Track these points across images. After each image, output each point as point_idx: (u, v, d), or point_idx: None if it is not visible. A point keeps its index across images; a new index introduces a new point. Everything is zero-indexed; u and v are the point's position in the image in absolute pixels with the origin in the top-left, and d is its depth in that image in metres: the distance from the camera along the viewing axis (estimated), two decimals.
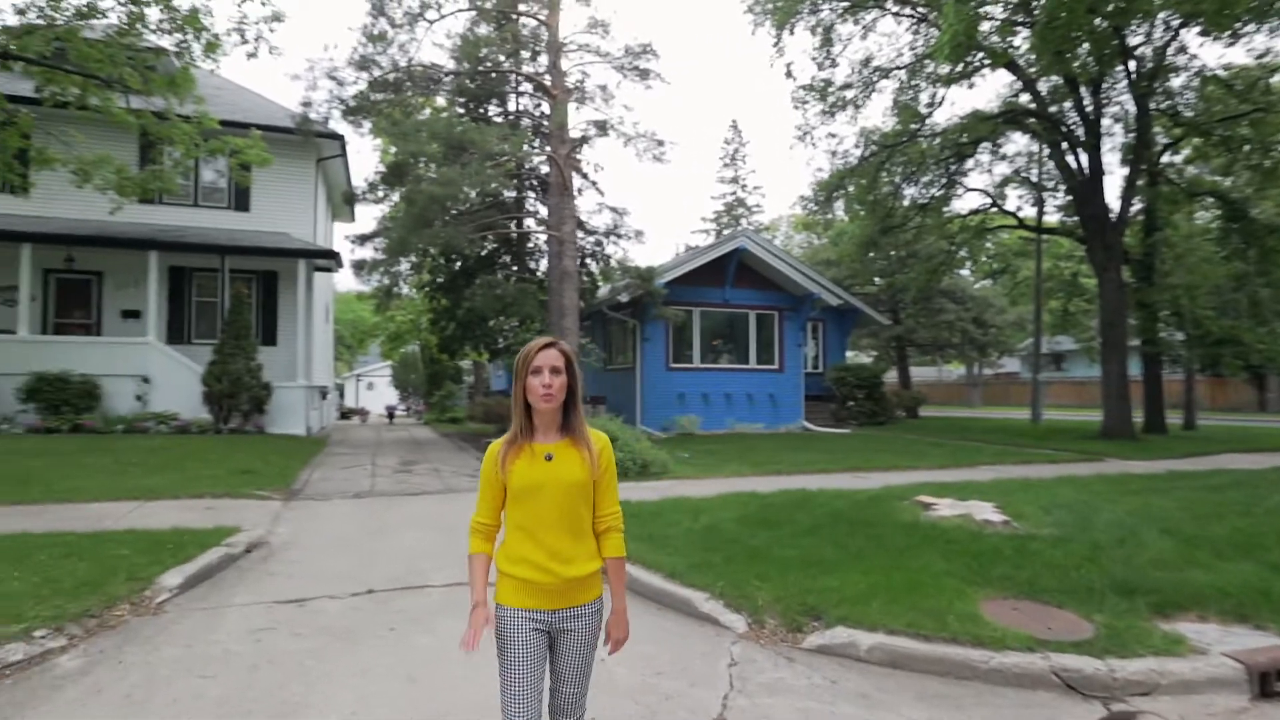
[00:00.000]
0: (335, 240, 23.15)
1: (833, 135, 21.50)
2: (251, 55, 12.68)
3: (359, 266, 13.48)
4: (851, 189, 19.48)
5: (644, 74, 14.94)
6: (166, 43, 12.18)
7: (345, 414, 33.36)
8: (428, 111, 15.45)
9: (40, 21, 11.51)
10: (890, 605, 4.23)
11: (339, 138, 16.90)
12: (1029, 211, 21.39)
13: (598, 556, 2.15)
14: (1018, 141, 20.36)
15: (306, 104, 12.88)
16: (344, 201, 16.39)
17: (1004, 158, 20.24)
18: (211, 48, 12.65)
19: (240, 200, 16.57)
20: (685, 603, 4.61)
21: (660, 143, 15.87)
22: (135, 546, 5.36)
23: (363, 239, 14.02)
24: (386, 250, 12.75)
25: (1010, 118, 17.19)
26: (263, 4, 12.41)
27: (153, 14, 11.85)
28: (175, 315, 16.00)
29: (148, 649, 3.85)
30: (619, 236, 17.85)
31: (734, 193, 48.80)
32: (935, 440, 15.20)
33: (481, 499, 2.15)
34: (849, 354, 28.83)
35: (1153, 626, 4.02)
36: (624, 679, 3.62)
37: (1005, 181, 20.45)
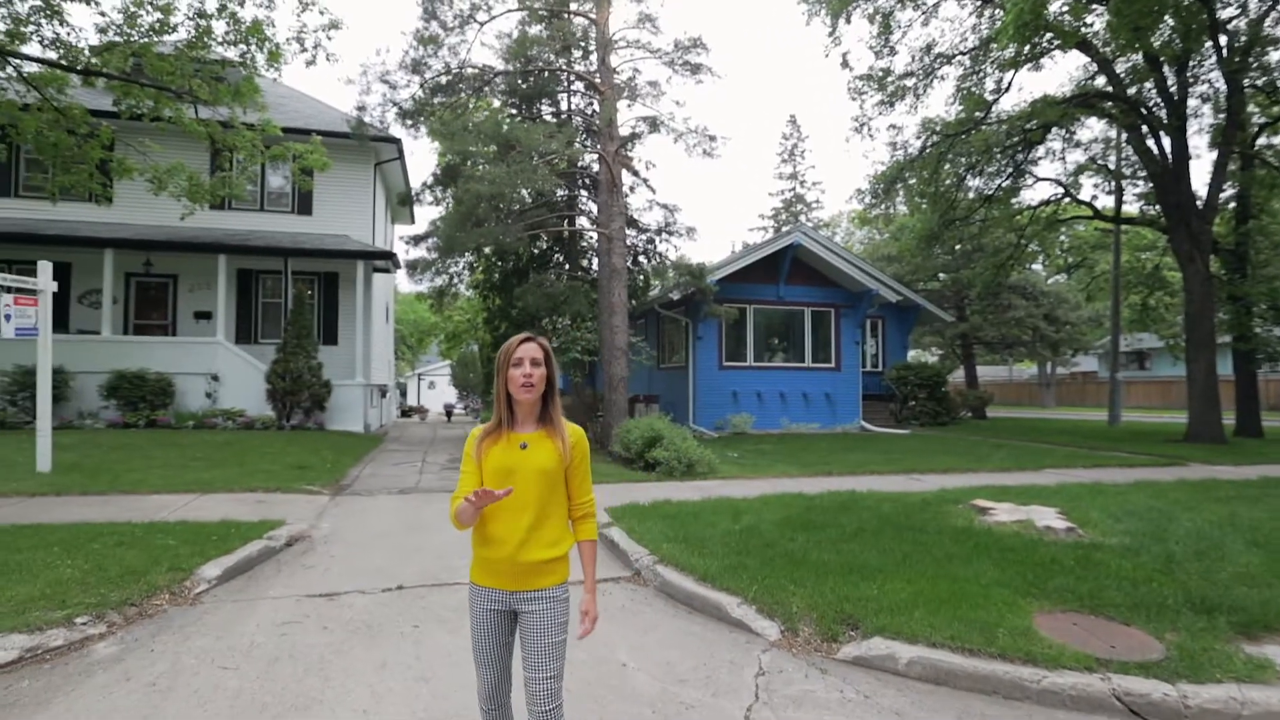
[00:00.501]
0: (395, 242, 23.74)
1: (893, 126, 20.84)
2: (310, 63, 13.06)
3: (413, 267, 13.74)
4: (912, 181, 18.77)
5: (694, 69, 14.73)
6: (231, 54, 12.67)
7: (406, 412, 34.28)
8: (484, 114, 15.62)
9: (118, 39, 12.14)
10: (934, 616, 3.95)
11: (395, 141, 17.29)
12: (1106, 201, 20.21)
13: (561, 544, 2.25)
14: (1093, 127, 19.25)
15: (361, 108, 13.20)
16: (399, 203, 16.76)
17: (1078, 144, 19.15)
18: (274, 57, 13.09)
19: (303, 204, 17.15)
20: (716, 607, 4.43)
21: (712, 138, 15.62)
22: (183, 537, 5.52)
23: (417, 240, 14.30)
24: (437, 250, 12.94)
25: (1084, 101, 16.21)
26: (321, 13, 12.71)
27: (219, 26, 12.34)
28: (243, 315, 16.67)
29: (179, 639, 3.92)
30: (670, 234, 17.71)
31: (793, 189, 47.99)
32: (1000, 442, 14.48)
33: (463, 479, 2.25)
34: (911, 352, 27.94)
35: (1234, 649, 3.62)
36: (644, 686, 3.47)
37: (1079, 170, 19.30)
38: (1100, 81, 16.60)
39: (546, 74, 15.35)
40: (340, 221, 17.34)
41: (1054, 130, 17.58)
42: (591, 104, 17.03)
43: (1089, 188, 20.14)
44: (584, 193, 18.42)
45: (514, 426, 2.24)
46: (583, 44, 15.53)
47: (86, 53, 12.22)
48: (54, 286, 8.34)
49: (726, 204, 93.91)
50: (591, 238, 17.20)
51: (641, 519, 6.50)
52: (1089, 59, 16.05)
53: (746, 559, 5.07)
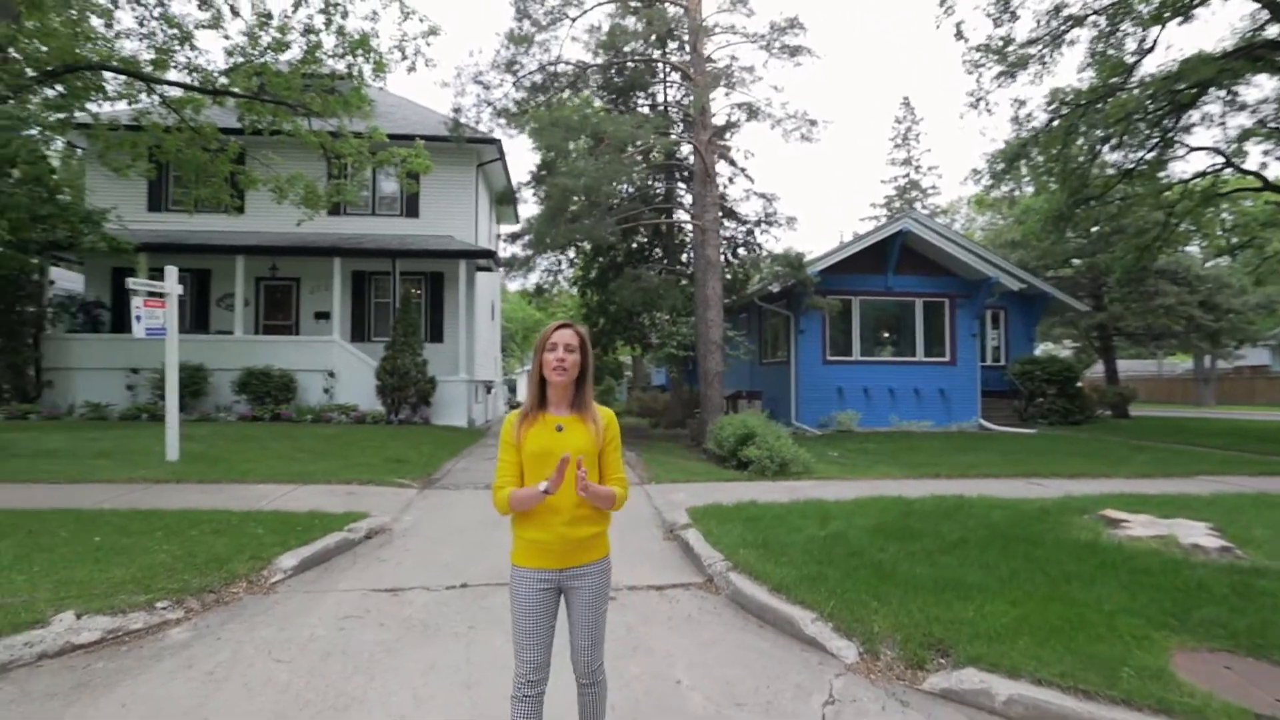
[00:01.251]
0: (497, 241, 24.40)
1: (1015, 100, 19.04)
2: (411, 69, 13.57)
3: (508, 264, 13.97)
4: (1038, 157, 17.14)
5: (791, 51, 14.09)
6: (339, 66, 13.33)
7: (514, 407, 35.29)
8: (577, 108, 15.68)
9: (241, 59, 13.06)
10: (1041, 647, 3.40)
11: (495, 142, 17.68)
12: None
13: (602, 520, 2.37)
14: (1262, 85, 16.81)
15: (456, 110, 13.54)
16: (501, 202, 17.14)
17: (1242, 106, 16.73)
18: (379, 68, 13.69)
19: (410, 207, 17.89)
20: (788, 622, 4.04)
21: (812, 122, 14.90)
22: (271, 527, 5.73)
23: (513, 237, 14.54)
24: (529, 247, 13.07)
25: (1250, 55, 14.15)
26: (420, 20, 13.15)
27: (328, 41, 13.01)
28: (357, 315, 17.61)
29: (246, 628, 4.00)
30: (770, 224, 17.14)
31: (906, 175, 45.53)
32: (1142, 444, 12.93)
33: (501, 465, 2.32)
34: (1041, 346, 25.73)
35: None
36: (697, 707, 3.17)
37: (1245, 135, 16.85)
38: (1273, 31, 14.44)
39: (640, 65, 15.19)
40: (445, 223, 17.96)
41: (1211, 91, 15.48)
42: (688, 95, 16.73)
43: (1256, 155, 17.59)
44: (681, 186, 18.17)
45: (548, 409, 2.32)
46: (676, 33, 15.23)
47: (214, 74, 13.21)
48: (179, 290, 9.00)
49: (833, 194, 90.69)
50: (690, 231, 16.91)
51: (722, 521, 6.16)
52: (1258, 3, 14.00)
53: (828, 569, 4.63)
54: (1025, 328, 19.96)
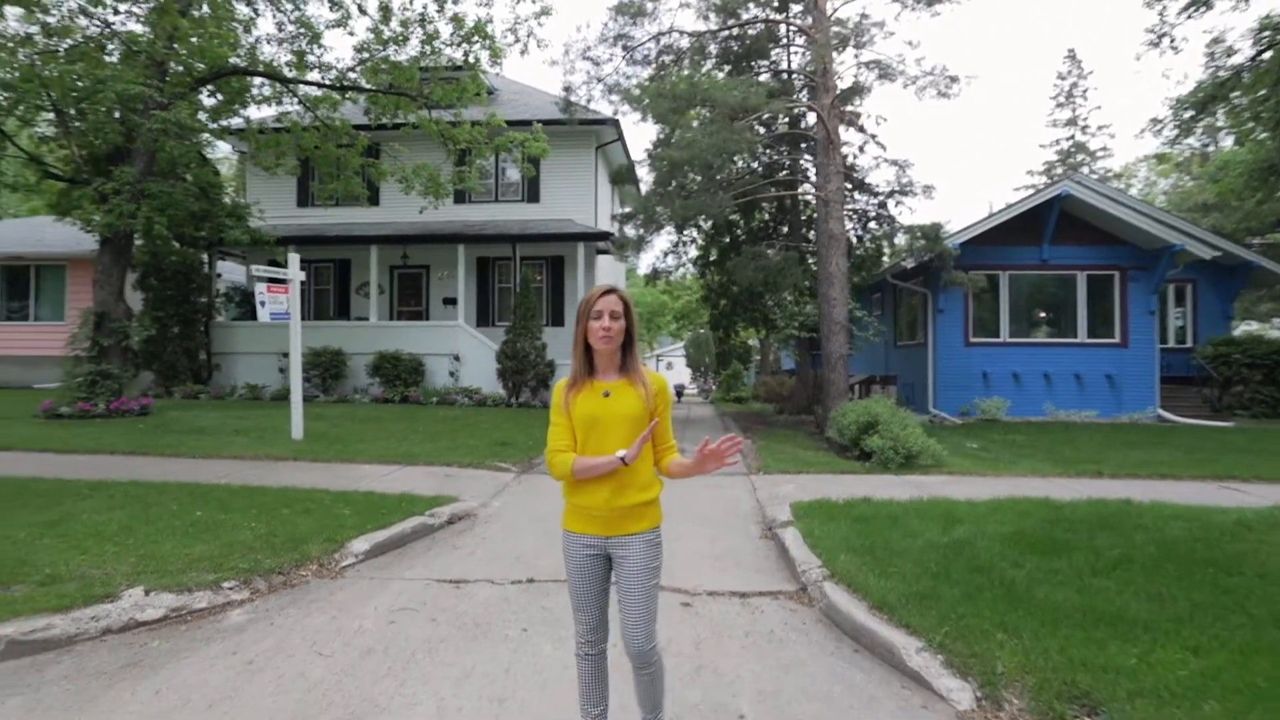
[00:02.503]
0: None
1: (1211, 34, 16.16)
2: (524, 52, 13.60)
3: (621, 245, 13.67)
4: (1241, 99, 14.46)
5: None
6: (457, 54, 13.53)
7: None
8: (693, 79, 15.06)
9: (367, 55, 13.59)
10: (1242, 717, 2.51)
11: (614, 123, 17.45)
12: None
13: (652, 488, 2.31)
14: None
15: (567, 89, 13.34)
16: (611, 182, 16.89)
17: None
18: (495, 54, 13.78)
19: (531, 192, 18.07)
20: (887, 649, 3.35)
21: (952, 78, 13.42)
22: (359, 508, 5.71)
23: (626, 217, 14.21)
24: (642, 226, 12.67)
25: None
26: (533, 1, 13.07)
27: (445, 30, 13.22)
28: (482, 300, 18.08)
29: (301, 614, 3.87)
30: (904, 194, 15.66)
31: (1070, 137, 40.80)
32: None
33: (554, 430, 2.31)
34: (1242, 325, 22.12)
35: None
36: None
37: None
38: None
39: (760, 26, 14.28)
40: (565, 206, 18.00)
41: None
42: (812, 61, 15.60)
43: None
44: (807, 158, 17.06)
45: (595, 375, 2.29)
46: None
47: (344, 71, 13.83)
48: (301, 276, 9.43)
49: (981, 165, 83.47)
50: (815, 205, 15.84)
51: (827, 520, 5.45)
52: None
53: (944, 586, 3.86)
54: (1220, 303, 17.05)
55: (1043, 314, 15.37)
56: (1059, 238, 14.65)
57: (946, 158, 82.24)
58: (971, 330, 15.15)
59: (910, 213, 15.01)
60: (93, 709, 2.88)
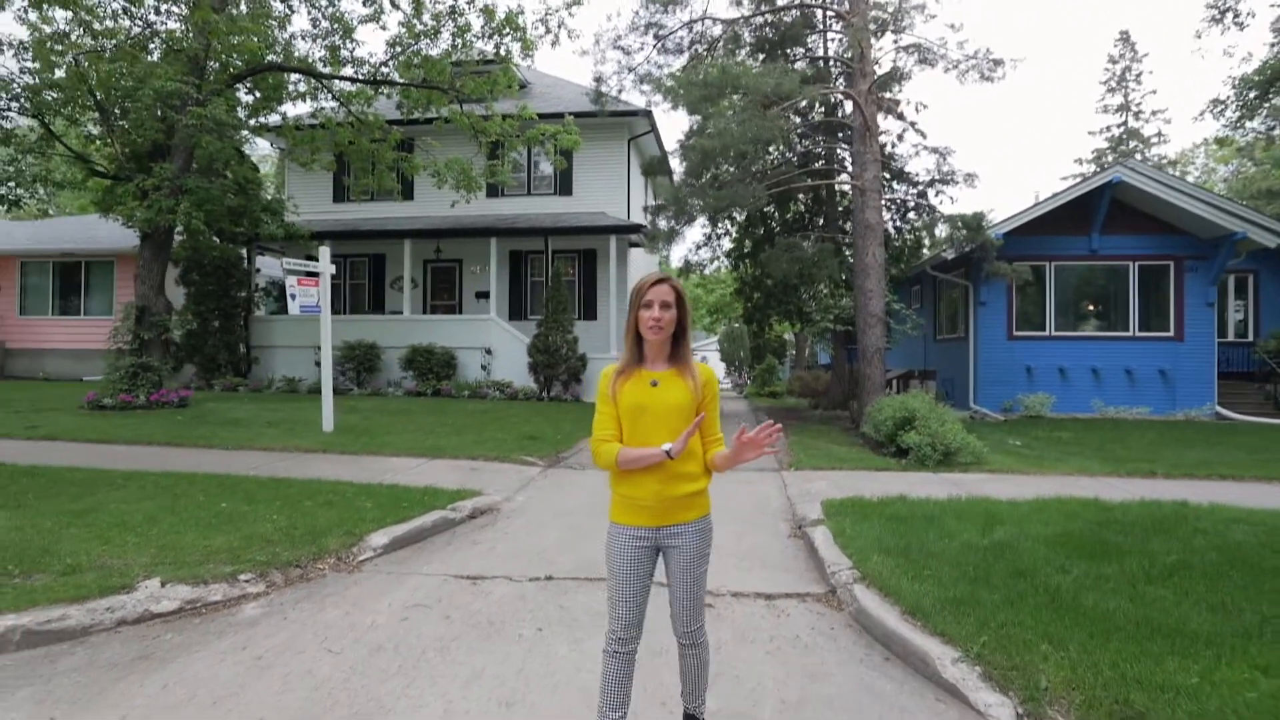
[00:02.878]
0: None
1: (1276, 7, 15.26)
2: (554, 43, 13.43)
3: (652, 236, 13.48)
4: None
5: None
6: (488, 47, 13.49)
7: None
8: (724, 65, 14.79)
9: (399, 49, 13.64)
10: None
11: (645, 114, 17.26)
12: None
13: (702, 478, 2.28)
14: None
15: (598, 79, 13.17)
16: (644, 173, 16.72)
17: None
18: (527, 46, 13.72)
19: (564, 185, 18.00)
20: (920, 659, 3.14)
21: (996, 61, 12.92)
22: (381, 501, 5.67)
23: (658, 209, 14.01)
24: (672, 218, 12.46)
25: None
26: None
27: (476, 23, 13.19)
28: (514, 294, 18.09)
29: (315, 609, 3.81)
30: (945, 183, 15.17)
31: (1123, 123, 39.28)
32: None
33: (600, 418, 2.28)
34: None
35: None
36: None
37: None
38: None
39: (796, 12, 13.93)
40: (597, 199, 17.88)
41: None
42: (849, 48, 15.18)
43: None
44: (844, 147, 16.65)
45: (644, 364, 2.27)
46: None
47: (377, 65, 13.90)
48: (332, 269, 9.47)
49: (1025, 154, 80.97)
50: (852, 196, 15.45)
51: (860, 519, 5.23)
52: None
53: (983, 591, 3.62)
54: None
55: (1091, 306, 14.76)
56: (1110, 227, 14.04)
57: (989, 146, 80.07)
58: (1015, 323, 14.64)
59: (951, 202, 14.63)
60: (101, 702, 2.84)
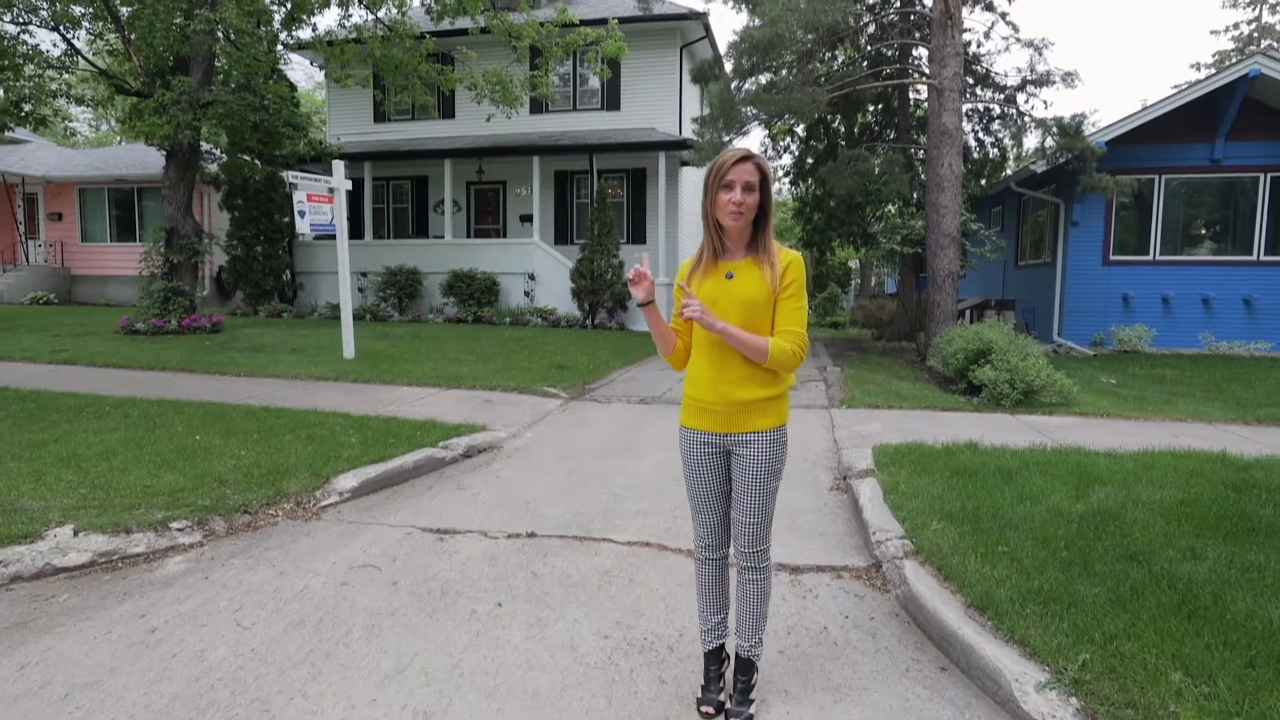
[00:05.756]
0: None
1: None
2: None
3: (699, 150, 12.29)
4: None
5: None
6: None
7: None
8: None
9: None
10: None
11: (700, 16, 15.70)
12: None
13: (776, 384, 2.08)
14: None
15: None
16: (694, 81, 15.29)
17: None
18: None
19: (611, 99, 16.75)
20: (991, 678, 2.29)
21: None
22: (370, 435, 5.08)
23: (705, 121, 12.73)
24: (723, 128, 11.21)
25: None
26: None
27: None
28: (560, 216, 17.19)
29: (245, 567, 3.22)
30: (1039, 85, 13.24)
31: (1254, 19, 34.51)
32: None
33: (675, 312, 2.14)
34: None
35: None
36: None
37: None
38: None
39: None
40: (647, 114, 16.60)
41: None
42: None
43: None
44: (922, 49, 14.77)
45: (724, 255, 2.08)
46: None
47: None
48: (348, 185, 8.79)
49: (1133, 59, 73.01)
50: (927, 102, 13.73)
51: (919, 471, 4.32)
52: None
53: (1081, 581, 2.71)
54: None
55: (1205, 227, 12.87)
56: (1238, 132, 12.01)
57: (1089, 52, 72.39)
58: (1113, 247, 12.91)
59: (1046, 107, 12.76)
60: None
